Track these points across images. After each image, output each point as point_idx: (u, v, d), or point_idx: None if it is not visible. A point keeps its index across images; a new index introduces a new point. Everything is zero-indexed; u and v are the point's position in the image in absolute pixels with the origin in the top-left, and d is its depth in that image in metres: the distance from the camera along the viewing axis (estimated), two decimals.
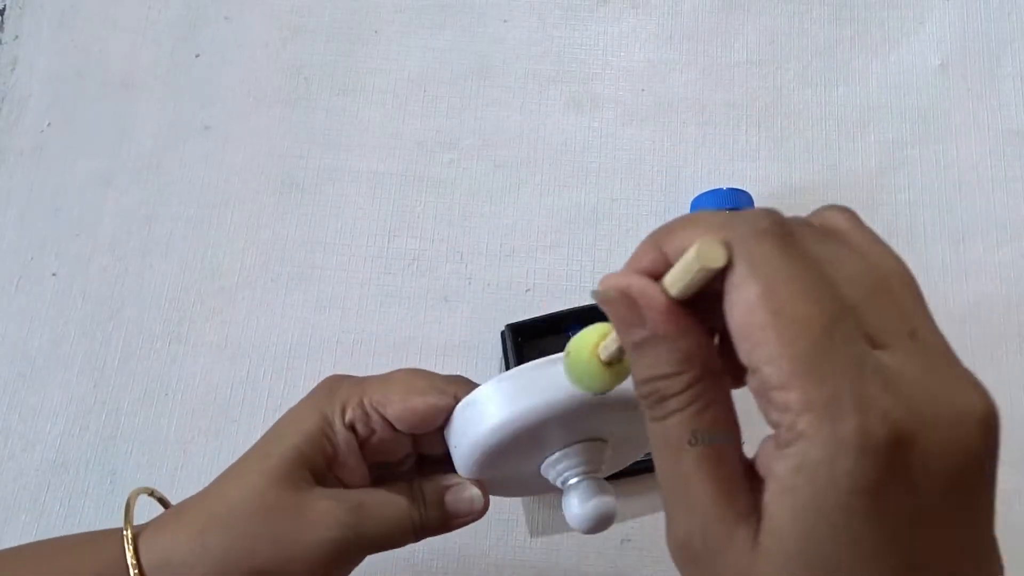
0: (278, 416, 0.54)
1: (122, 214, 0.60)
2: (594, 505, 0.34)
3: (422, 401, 0.35)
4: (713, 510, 0.23)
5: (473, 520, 0.37)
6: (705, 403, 0.23)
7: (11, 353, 0.56)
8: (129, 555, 0.34)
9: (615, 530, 0.51)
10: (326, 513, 0.34)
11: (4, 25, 0.66)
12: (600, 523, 0.34)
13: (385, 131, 0.62)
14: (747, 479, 0.23)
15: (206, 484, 0.53)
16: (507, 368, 0.54)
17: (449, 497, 0.36)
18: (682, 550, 0.24)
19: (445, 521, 0.36)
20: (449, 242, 0.59)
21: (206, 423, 0.55)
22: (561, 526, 0.52)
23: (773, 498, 0.22)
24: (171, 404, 0.55)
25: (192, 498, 0.37)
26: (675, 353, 0.23)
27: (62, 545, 0.37)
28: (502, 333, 0.54)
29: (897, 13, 0.64)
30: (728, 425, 0.24)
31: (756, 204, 0.56)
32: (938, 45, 0.63)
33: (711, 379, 0.24)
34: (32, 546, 0.38)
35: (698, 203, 0.56)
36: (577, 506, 0.34)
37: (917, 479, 0.21)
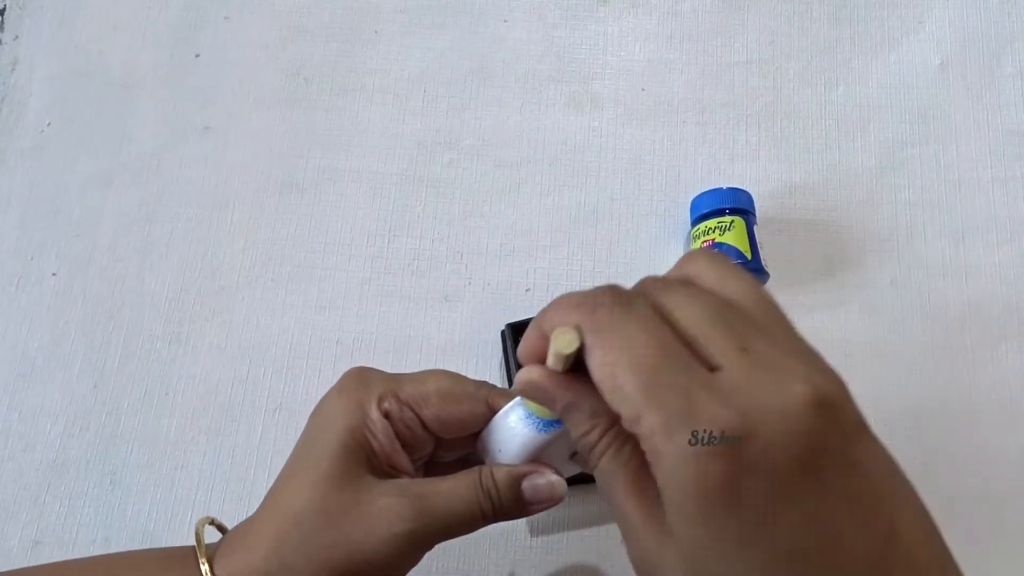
0: (278, 416, 0.55)
1: (122, 214, 0.60)
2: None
3: (465, 409, 0.37)
4: (644, 533, 0.27)
5: (552, 505, 0.37)
6: (620, 442, 0.28)
7: (11, 353, 0.56)
8: None
9: (615, 530, 0.51)
10: (389, 510, 0.35)
11: (4, 25, 0.66)
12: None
13: (385, 131, 0.62)
14: None
15: (206, 484, 0.53)
16: (507, 367, 0.54)
17: (527, 484, 0.36)
18: (637, 573, 0.28)
19: (522, 508, 0.37)
20: (449, 242, 0.59)
21: (206, 423, 0.55)
22: (561, 526, 0.52)
23: (667, 516, 0.26)
24: (171, 404, 0.55)
25: (255, 517, 0.37)
26: (583, 413, 0.29)
27: (130, 565, 0.37)
28: (502, 333, 0.54)
29: (897, 13, 0.64)
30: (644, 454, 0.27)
31: (756, 203, 0.56)
32: (938, 45, 0.63)
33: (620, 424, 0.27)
34: (97, 563, 0.38)
35: (698, 202, 0.56)
36: None
37: (763, 468, 0.24)
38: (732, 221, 0.55)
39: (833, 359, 0.28)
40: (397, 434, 0.37)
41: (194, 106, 0.63)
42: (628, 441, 0.28)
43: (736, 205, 0.55)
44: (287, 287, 0.58)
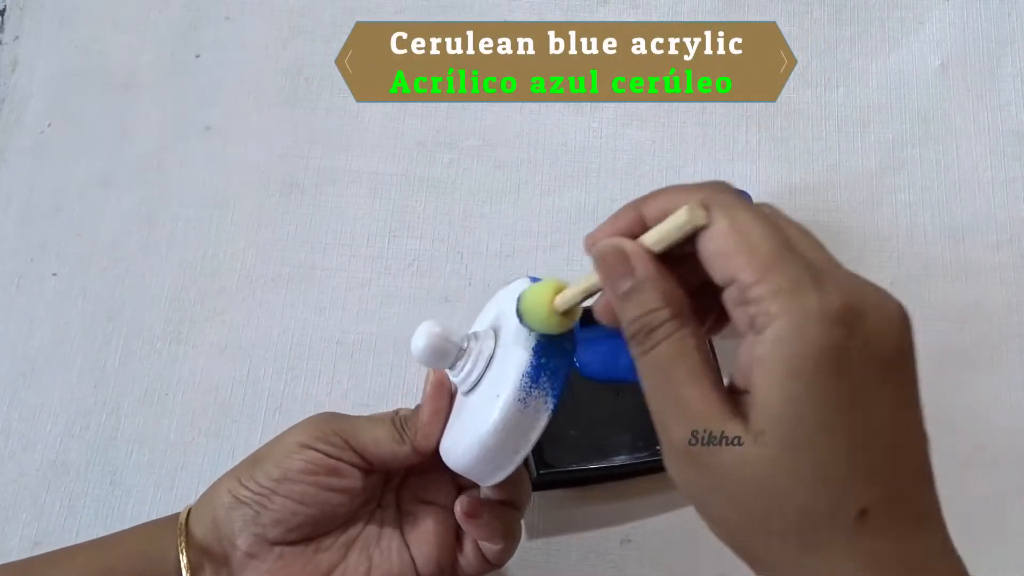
0: (278, 416, 0.55)
1: (122, 214, 0.60)
2: (417, 332, 0.39)
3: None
4: (707, 411, 0.28)
5: (435, 413, 0.41)
6: (687, 330, 0.29)
7: (11, 353, 0.57)
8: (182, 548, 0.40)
9: (615, 530, 0.51)
10: (310, 418, 0.42)
11: (4, 25, 0.66)
12: (418, 344, 0.38)
13: (385, 131, 0.62)
14: (729, 394, 0.28)
15: (206, 484, 0.53)
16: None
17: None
18: (683, 454, 0.28)
19: (423, 422, 0.41)
20: (449, 242, 0.59)
21: (206, 423, 0.55)
22: (561, 527, 0.52)
23: (758, 382, 0.27)
24: (171, 404, 0.55)
25: None
26: (658, 292, 0.29)
27: (111, 540, 0.42)
28: None
29: (897, 13, 0.64)
30: (707, 348, 0.29)
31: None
32: (938, 45, 0.63)
33: (688, 315, 0.30)
34: (86, 544, 0.42)
35: None
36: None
37: (871, 347, 0.26)
38: None
39: None
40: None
41: (194, 106, 0.63)
42: (693, 334, 0.29)
43: None
44: (287, 287, 0.58)
